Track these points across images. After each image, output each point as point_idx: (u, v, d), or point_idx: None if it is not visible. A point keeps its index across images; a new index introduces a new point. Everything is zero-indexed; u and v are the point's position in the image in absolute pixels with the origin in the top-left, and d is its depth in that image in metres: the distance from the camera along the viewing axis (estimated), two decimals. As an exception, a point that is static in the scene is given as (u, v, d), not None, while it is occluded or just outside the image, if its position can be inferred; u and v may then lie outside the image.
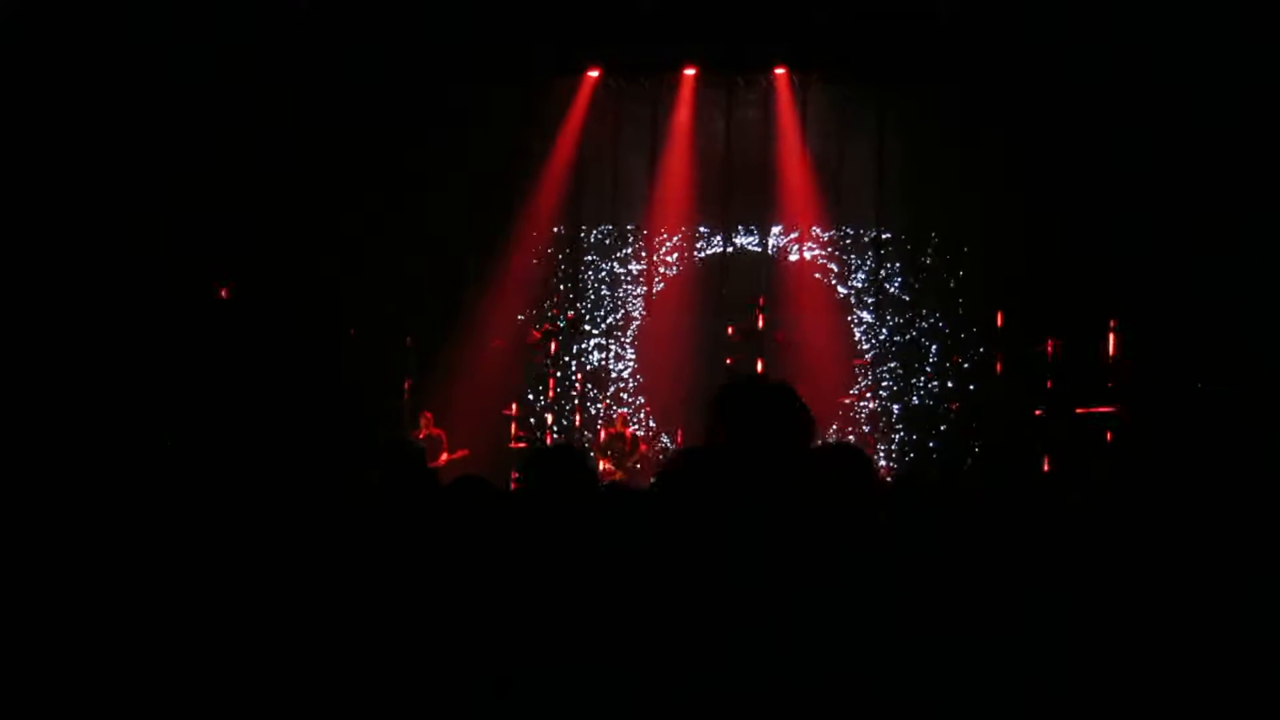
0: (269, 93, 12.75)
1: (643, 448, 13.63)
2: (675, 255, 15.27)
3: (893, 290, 14.76)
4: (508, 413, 14.24)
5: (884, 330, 14.72)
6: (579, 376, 14.98)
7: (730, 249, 15.11)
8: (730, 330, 13.81)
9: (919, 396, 14.48)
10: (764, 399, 2.74)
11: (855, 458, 3.20)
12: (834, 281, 14.91)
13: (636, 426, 14.07)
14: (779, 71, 14.29)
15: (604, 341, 15.26)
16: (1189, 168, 11.89)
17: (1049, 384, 12.68)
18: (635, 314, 15.35)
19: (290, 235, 13.18)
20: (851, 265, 14.92)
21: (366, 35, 12.87)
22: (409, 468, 4.24)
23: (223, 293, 12.30)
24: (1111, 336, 12.51)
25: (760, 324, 13.76)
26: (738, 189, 14.76)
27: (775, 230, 14.99)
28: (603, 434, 13.98)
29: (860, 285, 14.87)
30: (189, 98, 12.31)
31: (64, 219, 11.45)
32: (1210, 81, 11.75)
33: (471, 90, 14.14)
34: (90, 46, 11.63)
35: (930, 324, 14.55)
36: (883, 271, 14.75)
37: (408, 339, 13.97)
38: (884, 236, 14.73)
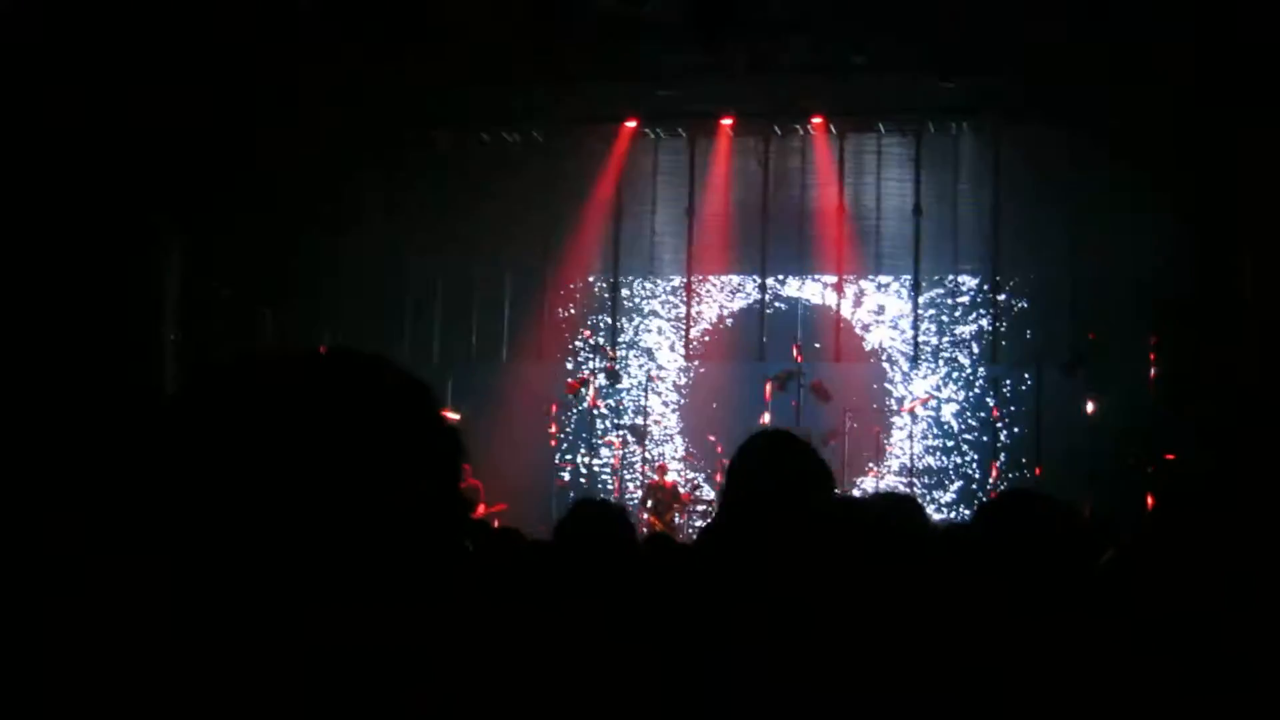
0: (306, 131, 12.65)
1: (684, 497, 13.54)
2: (713, 304, 15.28)
3: (932, 339, 14.69)
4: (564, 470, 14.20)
5: (922, 380, 14.61)
6: (619, 426, 15.00)
7: (768, 297, 15.09)
8: (768, 380, 13.76)
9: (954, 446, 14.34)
10: (767, 458, 2.66)
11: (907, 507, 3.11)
12: (871, 330, 14.85)
13: (678, 477, 14.00)
14: (816, 120, 14.30)
15: (643, 391, 15.22)
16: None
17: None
18: (674, 363, 15.33)
19: (316, 279, 13.21)
20: (891, 313, 14.86)
21: (404, 82, 12.80)
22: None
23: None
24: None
25: (798, 373, 13.70)
26: (776, 237, 14.75)
27: (813, 279, 14.99)
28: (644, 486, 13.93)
29: (898, 333, 14.79)
30: (206, 137, 11.88)
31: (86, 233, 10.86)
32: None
33: (509, 139, 14.27)
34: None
35: (970, 376, 14.46)
36: (923, 321, 14.67)
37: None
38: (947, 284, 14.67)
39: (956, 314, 14.60)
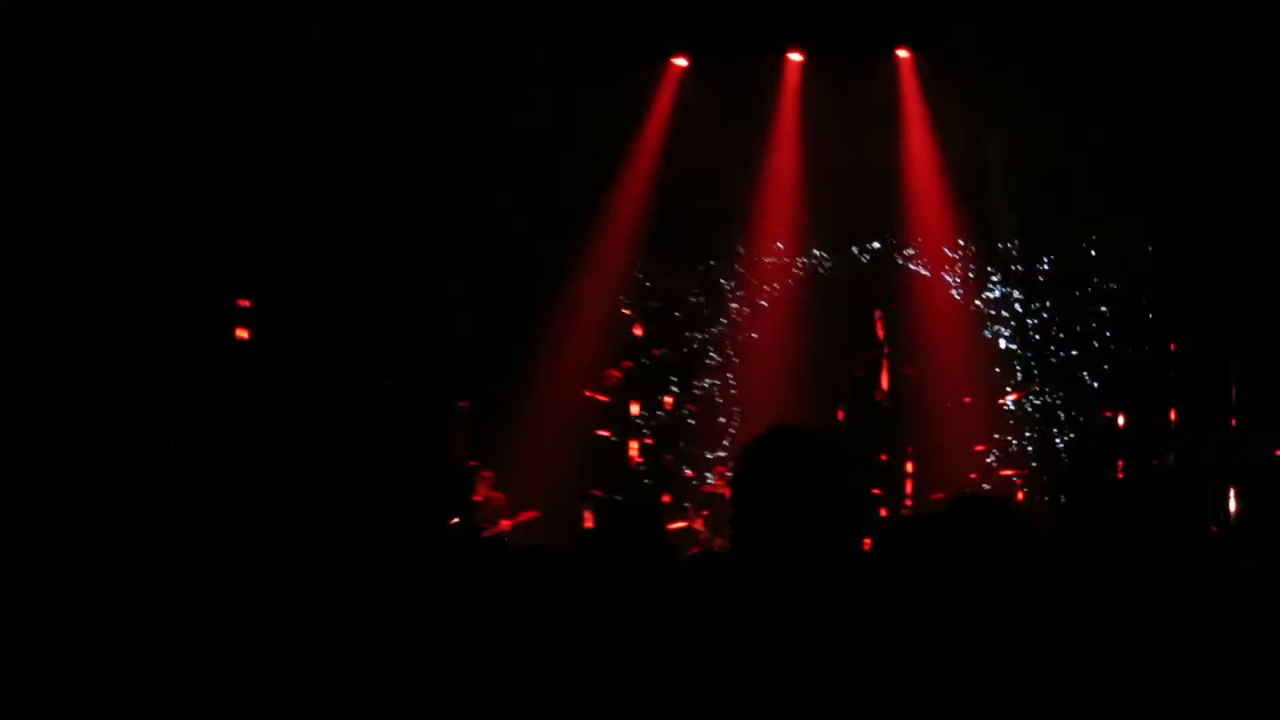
0: (319, 96, 11.51)
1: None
2: (779, 273, 13.76)
3: (1038, 315, 13.14)
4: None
5: (1026, 362, 13.14)
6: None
7: (845, 264, 13.57)
8: (851, 365, 12.70)
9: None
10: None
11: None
12: (968, 302, 13.30)
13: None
14: (901, 54, 12.52)
15: (700, 380, 14.09)
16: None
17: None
18: (734, 344, 13.99)
19: (333, 266, 12.02)
20: (988, 283, 13.27)
21: (432, 30, 11.62)
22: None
23: (241, 332, 11.17)
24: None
25: (884, 352, 12.43)
26: (853, 195, 12.95)
27: (897, 242, 13.41)
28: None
29: (999, 307, 13.24)
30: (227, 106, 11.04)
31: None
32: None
33: (542, 89, 12.67)
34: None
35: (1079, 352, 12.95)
36: (1020, 291, 13.10)
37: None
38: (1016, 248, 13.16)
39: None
